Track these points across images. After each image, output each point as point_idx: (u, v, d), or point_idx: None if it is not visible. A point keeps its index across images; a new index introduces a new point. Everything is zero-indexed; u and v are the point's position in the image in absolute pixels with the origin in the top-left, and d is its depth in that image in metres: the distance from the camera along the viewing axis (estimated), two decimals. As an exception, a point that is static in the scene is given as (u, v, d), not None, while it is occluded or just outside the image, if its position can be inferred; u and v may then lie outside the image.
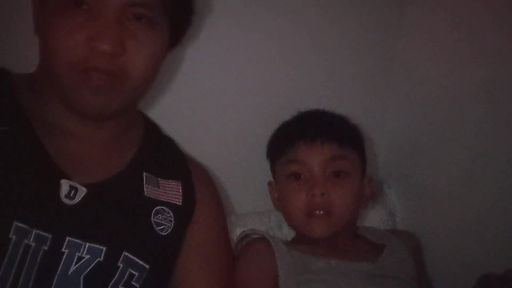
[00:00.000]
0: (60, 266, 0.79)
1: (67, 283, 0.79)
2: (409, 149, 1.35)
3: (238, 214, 1.24)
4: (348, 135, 1.13)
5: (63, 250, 0.80)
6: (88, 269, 0.81)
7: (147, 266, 0.87)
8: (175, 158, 1.01)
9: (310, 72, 1.32)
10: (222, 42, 1.23)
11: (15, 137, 0.81)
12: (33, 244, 0.77)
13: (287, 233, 1.22)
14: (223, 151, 1.25)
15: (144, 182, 0.92)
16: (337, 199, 1.06)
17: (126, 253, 0.85)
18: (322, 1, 1.31)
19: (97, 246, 0.82)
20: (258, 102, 1.28)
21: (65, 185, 0.82)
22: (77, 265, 0.80)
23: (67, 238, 0.80)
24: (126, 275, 0.85)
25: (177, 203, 0.95)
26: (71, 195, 0.82)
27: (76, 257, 0.81)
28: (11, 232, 0.76)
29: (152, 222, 0.90)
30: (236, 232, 1.16)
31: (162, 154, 0.99)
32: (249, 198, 1.27)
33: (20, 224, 0.77)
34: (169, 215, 0.93)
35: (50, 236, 0.79)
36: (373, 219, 1.28)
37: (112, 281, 0.84)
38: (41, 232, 0.78)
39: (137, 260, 0.86)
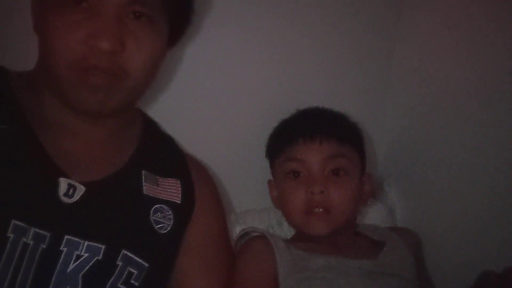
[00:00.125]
0: (59, 264, 0.79)
1: (65, 282, 0.79)
2: (409, 147, 1.35)
3: (237, 212, 1.24)
4: (347, 133, 1.13)
5: (61, 248, 0.79)
6: (87, 268, 0.81)
7: (146, 265, 0.87)
8: (174, 156, 1.01)
9: (309, 70, 1.32)
10: (221, 40, 1.23)
11: (13, 135, 0.81)
12: (31, 242, 0.77)
13: (287, 231, 1.22)
14: (223, 149, 1.25)
15: (143, 180, 0.92)
16: (336, 197, 1.06)
17: (125, 252, 0.85)
18: (322, 0, 1.30)
19: (96, 244, 0.82)
20: (258, 100, 1.28)
21: (63, 183, 0.82)
22: (75, 264, 0.80)
23: (66, 237, 0.80)
24: (125, 273, 0.85)
25: (177, 201, 0.95)
26: (70, 193, 0.82)
27: (74, 255, 0.80)
28: (9, 230, 0.76)
29: (151, 220, 0.90)
30: (236, 230, 1.16)
31: (161, 152, 0.99)
32: (249, 196, 1.27)
33: (18, 223, 0.76)
34: (168, 213, 0.93)
35: (49, 234, 0.78)
36: (373, 216, 1.28)
37: (111, 280, 0.83)
38: (39, 231, 0.78)
39: (136, 259, 0.86)
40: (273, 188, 1.17)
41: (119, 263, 0.84)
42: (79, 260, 0.81)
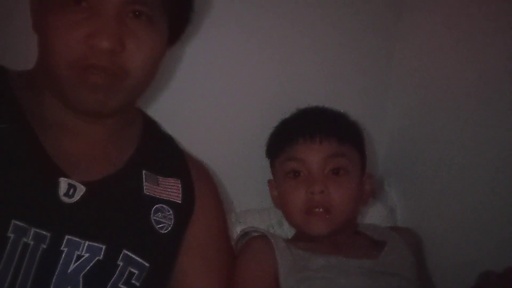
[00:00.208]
0: (59, 265, 0.79)
1: (66, 282, 0.79)
2: (409, 146, 1.35)
3: (238, 212, 1.24)
4: (348, 132, 1.13)
5: (62, 248, 0.79)
6: (88, 268, 0.81)
7: (147, 264, 0.87)
8: (174, 156, 1.01)
9: (309, 70, 1.32)
10: (221, 40, 1.23)
11: (12, 135, 0.81)
12: (32, 242, 0.77)
13: (288, 230, 1.22)
14: (223, 148, 1.25)
15: (144, 180, 0.92)
16: (336, 196, 1.06)
17: (126, 251, 0.85)
18: (322, 0, 1.30)
19: (97, 244, 0.82)
20: (258, 100, 1.28)
21: (63, 183, 0.82)
22: (76, 264, 0.80)
23: (66, 237, 0.80)
24: (126, 273, 0.85)
25: (177, 201, 0.95)
26: (70, 193, 0.82)
27: (75, 255, 0.80)
28: (9, 230, 0.76)
29: (152, 220, 0.90)
30: (236, 230, 1.16)
31: (161, 152, 0.99)
32: (249, 195, 1.27)
33: (18, 223, 0.76)
34: (168, 213, 0.93)
35: (49, 234, 0.78)
36: (374, 216, 1.28)
37: (112, 280, 0.83)
38: (39, 231, 0.78)
39: (137, 258, 0.86)
40: (273, 187, 1.17)
41: (120, 263, 0.84)
42: (80, 260, 0.80)
